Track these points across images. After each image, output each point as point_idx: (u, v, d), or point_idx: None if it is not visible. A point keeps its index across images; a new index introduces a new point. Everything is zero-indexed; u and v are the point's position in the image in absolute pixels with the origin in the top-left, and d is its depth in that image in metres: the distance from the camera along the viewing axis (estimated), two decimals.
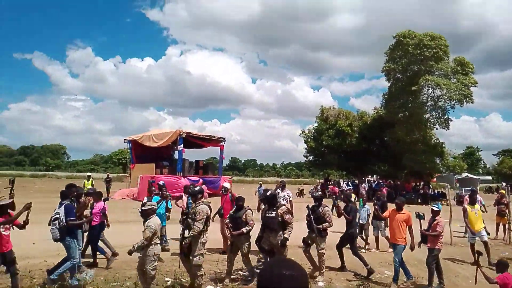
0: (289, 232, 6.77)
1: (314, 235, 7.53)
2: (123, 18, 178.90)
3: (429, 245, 7.23)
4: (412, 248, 7.27)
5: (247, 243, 7.11)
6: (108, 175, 27.17)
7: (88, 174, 21.01)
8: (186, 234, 6.35)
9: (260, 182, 18.46)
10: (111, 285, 6.65)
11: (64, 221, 6.37)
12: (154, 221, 6.02)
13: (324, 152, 35.65)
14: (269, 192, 7.22)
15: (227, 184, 10.19)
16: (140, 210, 6.37)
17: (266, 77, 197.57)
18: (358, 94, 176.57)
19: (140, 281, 6.08)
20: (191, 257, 6.29)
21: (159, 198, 8.72)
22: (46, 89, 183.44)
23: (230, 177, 31.95)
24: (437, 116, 30.97)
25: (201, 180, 25.73)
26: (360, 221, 10.50)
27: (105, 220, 8.17)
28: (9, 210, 6.08)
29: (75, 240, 6.55)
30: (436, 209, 7.30)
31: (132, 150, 28.33)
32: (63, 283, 6.43)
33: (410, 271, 7.36)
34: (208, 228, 6.48)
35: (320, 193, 8.75)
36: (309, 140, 36.64)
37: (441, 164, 31.87)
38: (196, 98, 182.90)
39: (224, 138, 29.08)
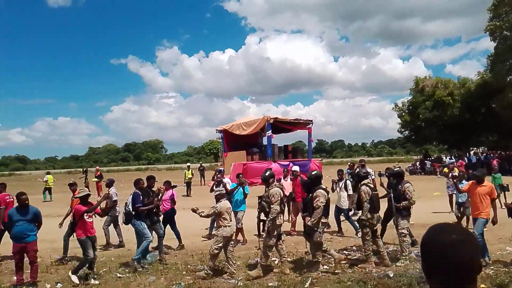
0: (313, 220, 6.20)
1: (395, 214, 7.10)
2: (203, 13, 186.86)
3: None
4: (494, 223, 6.74)
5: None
6: (201, 164, 28.70)
7: (188, 164, 22.49)
8: (262, 216, 6.55)
9: (349, 163, 17.05)
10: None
11: (129, 207, 7.14)
12: (222, 204, 6.52)
13: (421, 126, 33.20)
14: (315, 172, 6.86)
15: (296, 168, 10.26)
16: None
17: (349, 54, 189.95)
18: (455, 60, 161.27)
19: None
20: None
21: (236, 185, 9.06)
22: (141, 90, 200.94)
23: (320, 159, 31.47)
24: None
25: (291, 164, 25.79)
26: (460, 200, 9.54)
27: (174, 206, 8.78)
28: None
29: (143, 222, 7.21)
30: None
31: (223, 139, 29.44)
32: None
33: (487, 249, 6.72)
34: (283, 210, 6.54)
35: (397, 169, 8.21)
36: (403, 114, 34.40)
37: None
38: (278, 83, 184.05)
39: (311, 121, 28.61)
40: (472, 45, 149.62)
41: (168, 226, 8.52)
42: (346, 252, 7.60)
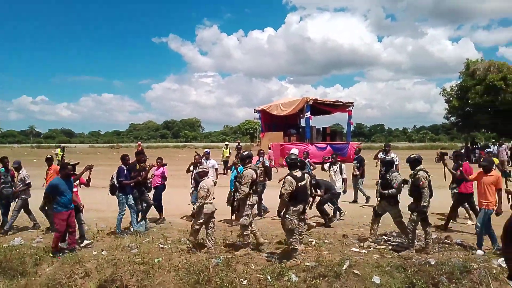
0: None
1: None
2: None
3: None
4: (498, 213, 6.51)
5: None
6: (239, 143, 28.95)
7: (226, 143, 22.68)
8: (237, 196, 6.83)
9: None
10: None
11: (114, 180, 7.64)
12: (207, 181, 6.54)
13: (470, 112, 31.35)
14: (293, 156, 6.62)
15: (295, 151, 9.99)
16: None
17: (395, 33, 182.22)
18: (510, 42, 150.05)
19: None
20: (239, 217, 6.62)
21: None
22: (181, 69, 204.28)
23: (359, 143, 30.79)
24: None
25: (329, 147, 25.44)
26: None
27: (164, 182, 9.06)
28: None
29: (125, 196, 7.70)
30: None
31: (261, 119, 29.43)
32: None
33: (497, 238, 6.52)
34: (254, 191, 6.57)
35: (414, 155, 7.64)
36: (451, 99, 32.60)
37: None
38: (318, 64, 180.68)
39: (352, 103, 27.98)
40: None
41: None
42: (386, 238, 7.46)
